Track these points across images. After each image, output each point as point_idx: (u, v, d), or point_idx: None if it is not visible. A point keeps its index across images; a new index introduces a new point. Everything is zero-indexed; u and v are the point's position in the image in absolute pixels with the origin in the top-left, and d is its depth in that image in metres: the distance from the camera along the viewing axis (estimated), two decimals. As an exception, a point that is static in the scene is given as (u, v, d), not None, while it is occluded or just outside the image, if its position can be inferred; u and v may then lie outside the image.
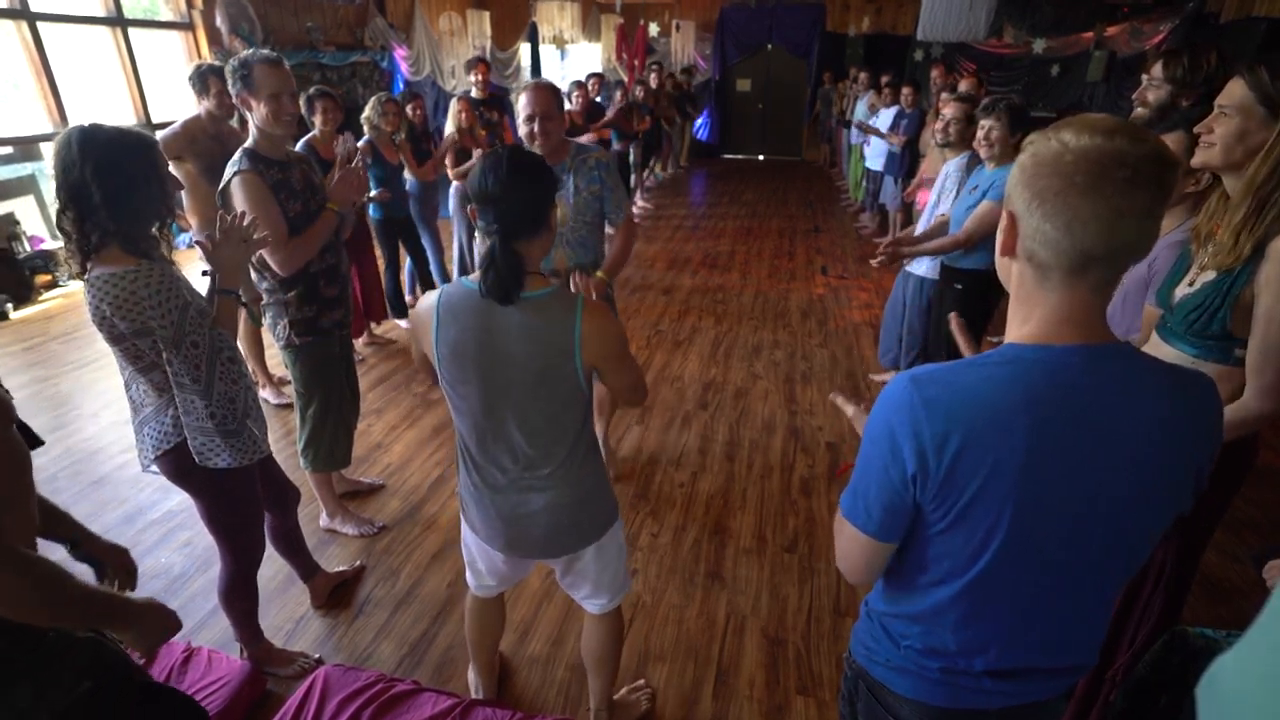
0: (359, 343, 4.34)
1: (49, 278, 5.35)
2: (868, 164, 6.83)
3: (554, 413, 1.38)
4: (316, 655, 2.11)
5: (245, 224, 1.74)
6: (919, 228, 3.40)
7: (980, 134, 2.75)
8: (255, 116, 2.15)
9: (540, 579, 2.41)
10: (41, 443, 1.11)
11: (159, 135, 3.17)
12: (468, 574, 1.76)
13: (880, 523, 0.91)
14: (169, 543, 2.61)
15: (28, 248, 5.33)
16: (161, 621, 1.17)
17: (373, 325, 4.52)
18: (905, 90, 5.99)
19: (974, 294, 2.94)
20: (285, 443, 3.30)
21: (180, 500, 2.76)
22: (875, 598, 1.05)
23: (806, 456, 3.21)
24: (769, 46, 11.47)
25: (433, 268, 4.73)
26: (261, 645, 2.04)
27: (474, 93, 5.12)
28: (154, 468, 1.69)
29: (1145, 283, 1.72)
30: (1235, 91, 1.33)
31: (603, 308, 1.36)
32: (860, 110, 7.28)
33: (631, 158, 7.55)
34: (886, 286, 4.85)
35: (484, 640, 1.89)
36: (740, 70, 11.88)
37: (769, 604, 2.34)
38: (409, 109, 4.51)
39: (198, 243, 1.74)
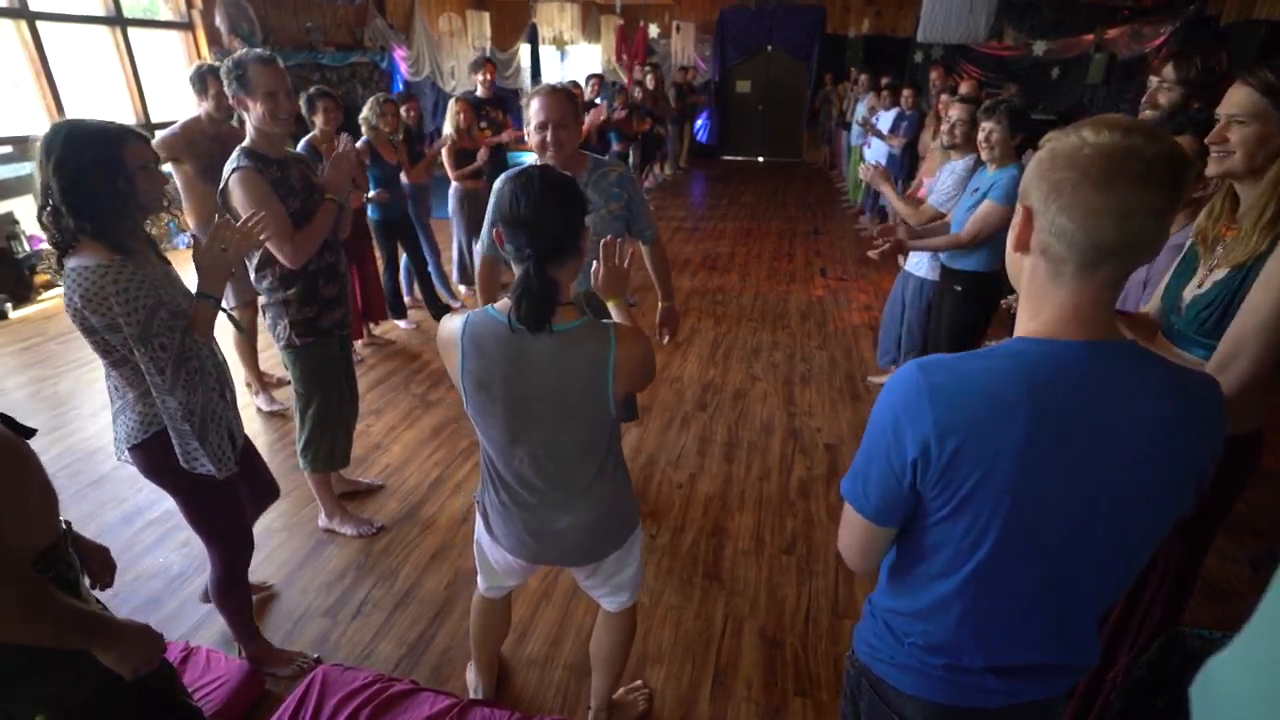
0: (358, 343, 4.34)
1: (48, 277, 5.35)
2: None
3: (585, 439, 1.37)
4: (315, 655, 2.11)
5: (252, 223, 1.73)
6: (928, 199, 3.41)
7: (980, 135, 2.76)
8: (252, 116, 2.15)
9: (539, 580, 2.41)
10: (33, 432, 1.09)
11: (158, 136, 3.17)
12: (479, 576, 1.76)
13: (878, 506, 0.92)
14: (168, 542, 2.61)
15: (27, 247, 5.33)
16: (146, 644, 1.17)
17: (372, 326, 4.53)
18: (905, 92, 5.99)
19: (974, 295, 2.94)
20: (283, 444, 3.30)
21: (179, 500, 2.76)
22: (879, 595, 1.06)
23: (805, 458, 3.21)
24: (769, 48, 11.47)
25: (430, 268, 4.74)
26: (259, 644, 2.04)
27: (479, 91, 5.16)
28: (127, 456, 1.69)
29: (1144, 283, 1.72)
30: (1243, 99, 1.31)
31: (636, 331, 1.34)
32: (860, 112, 7.29)
33: (631, 159, 7.56)
34: (886, 288, 4.85)
35: (487, 640, 1.89)
36: (740, 72, 11.88)
37: (767, 605, 2.34)
38: (404, 110, 4.51)
39: (194, 238, 1.74)
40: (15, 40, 5.28)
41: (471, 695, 1.96)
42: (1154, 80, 2.26)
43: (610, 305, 1.50)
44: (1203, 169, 1.45)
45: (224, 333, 3.69)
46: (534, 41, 11.40)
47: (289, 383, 2.58)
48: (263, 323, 2.52)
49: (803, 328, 4.79)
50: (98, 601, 1.25)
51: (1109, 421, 0.80)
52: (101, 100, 6.04)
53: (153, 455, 1.66)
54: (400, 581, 2.43)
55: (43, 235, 1.50)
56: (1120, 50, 9.08)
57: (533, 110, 2.05)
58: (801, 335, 4.66)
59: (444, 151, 4.64)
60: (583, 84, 6.61)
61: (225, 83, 2.14)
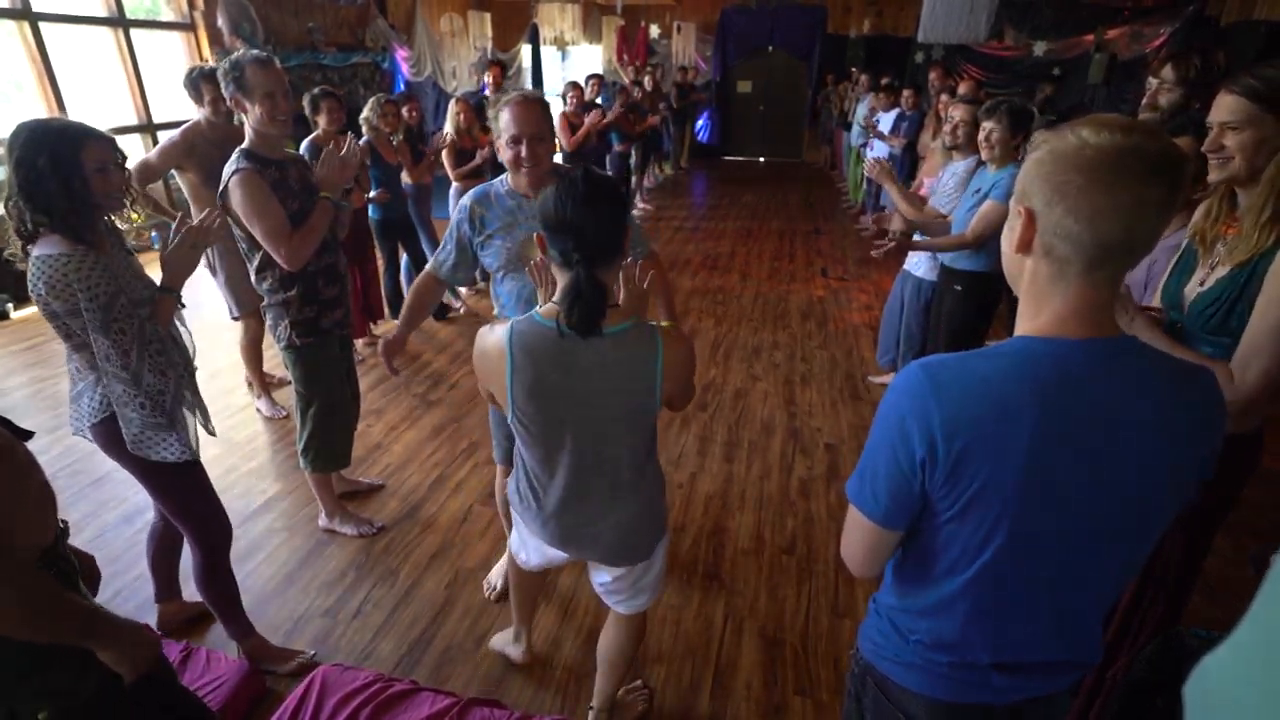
0: (359, 343, 4.35)
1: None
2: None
3: (631, 441, 1.39)
4: (312, 652, 2.11)
5: (208, 222, 1.78)
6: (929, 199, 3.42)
7: (981, 135, 2.77)
8: (251, 118, 2.15)
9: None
10: (30, 434, 1.10)
11: (157, 147, 3.15)
12: (519, 554, 1.77)
13: (887, 509, 0.91)
14: (168, 542, 2.61)
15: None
16: (142, 644, 1.18)
17: (372, 325, 4.53)
18: (906, 93, 5.99)
19: (973, 295, 2.94)
20: (283, 444, 3.30)
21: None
22: (884, 593, 1.06)
23: (805, 458, 3.21)
24: (770, 48, 11.47)
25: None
26: (255, 641, 2.05)
27: (488, 92, 5.20)
28: (88, 434, 1.73)
29: (1144, 284, 1.72)
30: (1232, 105, 1.33)
31: (681, 334, 1.36)
32: (862, 113, 7.28)
33: (632, 159, 7.56)
34: (886, 288, 4.85)
35: (528, 599, 2.01)
36: (741, 72, 11.89)
37: (767, 605, 2.34)
38: (405, 110, 4.52)
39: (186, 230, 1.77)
40: (18, 41, 5.29)
41: (517, 660, 2.08)
42: (1153, 81, 2.25)
43: None
44: (1201, 170, 1.46)
45: (232, 336, 3.71)
46: (535, 42, 11.41)
47: (290, 383, 2.58)
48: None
49: (803, 327, 4.79)
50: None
51: (1113, 417, 0.81)
52: (104, 101, 6.05)
53: (115, 433, 1.70)
54: (400, 581, 2.43)
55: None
56: (1121, 51, 9.08)
57: (504, 122, 1.79)
58: (802, 335, 4.66)
59: (444, 151, 4.65)
60: (583, 84, 6.61)
61: (223, 84, 2.14)
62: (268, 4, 7.30)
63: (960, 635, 0.94)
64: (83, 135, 1.55)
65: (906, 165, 5.95)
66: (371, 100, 4.20)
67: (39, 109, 5.47)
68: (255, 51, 2.17)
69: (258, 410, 3.59)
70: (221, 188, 2.16)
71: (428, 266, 2.02)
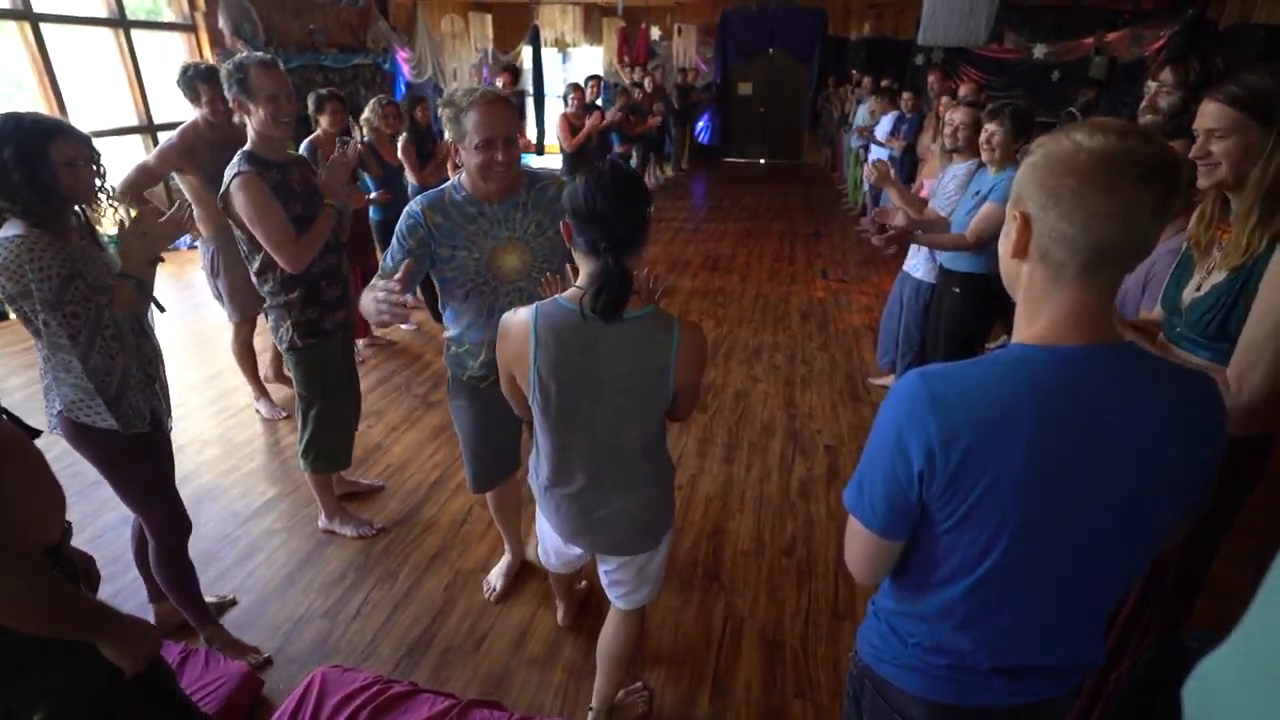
0: (360, 344, 4.35)
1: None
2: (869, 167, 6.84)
3: (644, 425, 1.44)
4: (267, 654, 2.11)
5: (180, 216, 1.79)
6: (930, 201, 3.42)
7: (982, 138, 2.77)
8: (253, 120, 2.15)
9: (539, 581, 2.41)
10: (39, 433, 1.12)
11: (155, 151, 3.12)
12: (542, 560, 1.87)
13: (885, 519, 0.91)
14: (168, 543, 2.61)
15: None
16: (145, 640, 1.20)
17: (373, 326, 4.53)
18: (905, 95, 6.00)
19: (972, 296, 2.94)
20: (284, 445, 3.30)
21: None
22: (883, 596, 1.06)
23: (805, 460, 3.21)
24: (770, 50, 11.48)
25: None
26: (212, 630, 2.07)
27: None
28: (56, 424, 1.74)
29: (1142, 288, 1.73)
30: (1215, 112, 1.33)
31: (696, 324, 1.40)
32: (862, 115, 7.29)
33: (633, 160, 7.56)
34: (887, 290, 4.85)
35: (563, 583, 2.13)
36: (742, 73, 11.89)
37: (766, 607, 2.34)
38: (416, 111, 4.52)
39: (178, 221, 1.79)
40: (18, 42, 5.30)
41: (560, 622, 2.23)
42: (1152, 85, 2.26)
43: None
44: (1194, 178, 1.46)
45: (224, 339, 3.70)
46: (536, 43, 11.42)
47: (290, 383, 2.58)
48: (263, 324, 2.52)
49: (803, 329, 4.79)
50: None
51: (1112, 424, 0.80)
52: (104, 102, 6.05)
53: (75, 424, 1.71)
54: (400, 582, 2.43)
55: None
56: (1120, 54, 9.09)
57: (472, 124, 1.66)
58: (802, 336, 4.66)
59: (447, 161, 4.64)
60: (583, 85, 6.61)
61: (225, 86, 2.14)
62: (269, 5, 7.31)
63: (959, 640, 0.94)
64: (53, 129, 1.57)
65: (906, 167, 5.96)
66: (373, 101, 4.20)
67: (39, 110, 5.47)
68: (259, 53, 2.16)
69: (257, 411, 3.59)
70: (222, 190, 2.16)
71: (385, 267, 1.85)
